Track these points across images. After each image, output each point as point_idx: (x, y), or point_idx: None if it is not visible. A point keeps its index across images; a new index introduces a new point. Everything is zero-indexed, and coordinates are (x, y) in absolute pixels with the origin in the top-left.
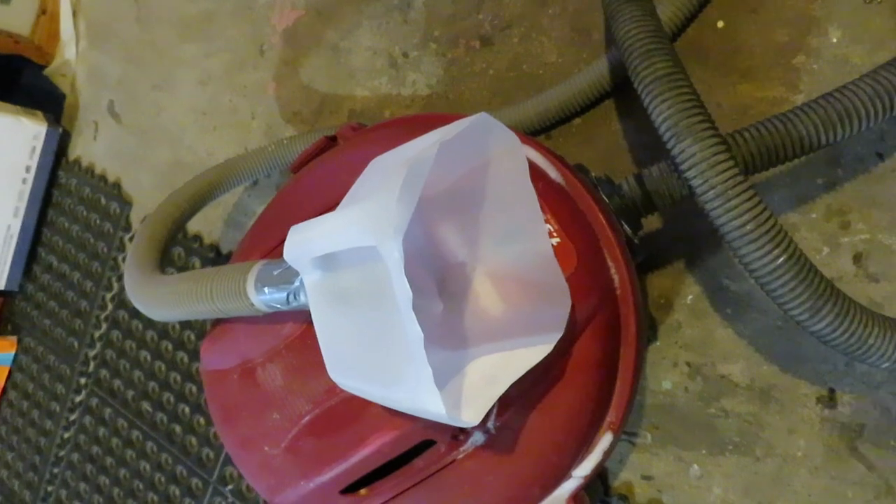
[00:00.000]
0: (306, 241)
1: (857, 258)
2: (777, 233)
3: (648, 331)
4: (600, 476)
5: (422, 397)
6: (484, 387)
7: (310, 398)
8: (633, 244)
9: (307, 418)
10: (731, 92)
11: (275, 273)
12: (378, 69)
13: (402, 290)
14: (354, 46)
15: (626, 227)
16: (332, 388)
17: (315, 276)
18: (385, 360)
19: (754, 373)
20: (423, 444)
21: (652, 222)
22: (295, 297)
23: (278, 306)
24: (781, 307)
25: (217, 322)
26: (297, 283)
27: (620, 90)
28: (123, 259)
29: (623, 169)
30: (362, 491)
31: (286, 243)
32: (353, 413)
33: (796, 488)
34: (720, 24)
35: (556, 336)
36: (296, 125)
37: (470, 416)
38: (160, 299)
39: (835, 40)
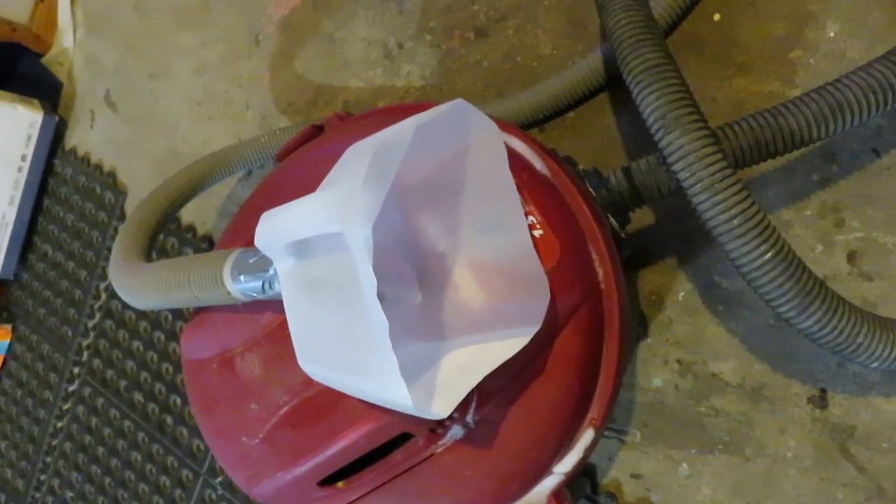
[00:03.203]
0: (276, 228)
1: (852, 256)
2: (764, 228)
3: (639, 327)
4: (588, 474)
5: (389, 388)
6: (458, 378)
7: (288, 388)
8: (620, 238)
9: (285, 409)
10: (726, 86)
11: (250, 261)
12: (373, 60)
13: (367, 278)
14: (349, 37)
15: (612, 220)
16: (310, 378)
17: (287, 264)
18: (354, 350)
19: (745, 371)
20: (401, 437)
21: (644, 218)
22: (270, 286)
23: (254, 295)
24: (769, 304)
25: (198, 311)
26: (271, 272)
27: (615, 84)
28: None
29: (617, 163)
30: (340, 483)
31: (257, 229)
32: (330, 404)
33: (786, 489)
34: (717, 16)
35: (534, 329)
36: (290, 116)
37: (440, 407)
38: (140, 286)
39: (832, 34)
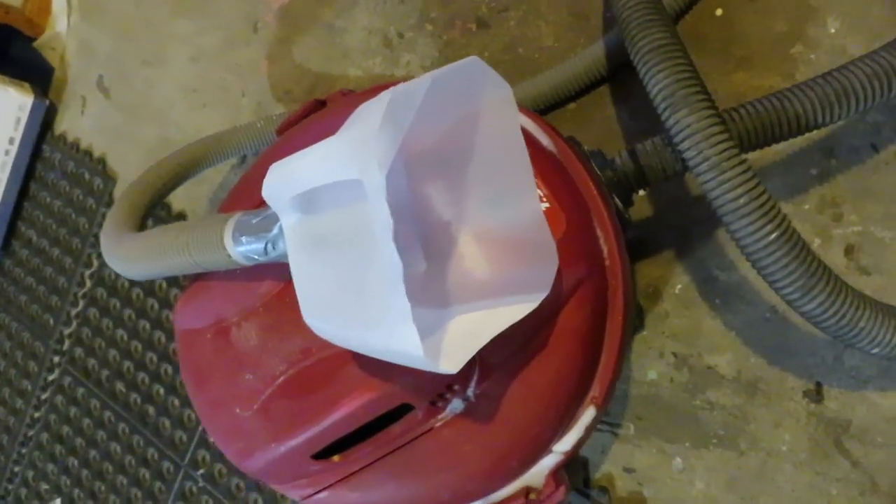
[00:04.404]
0: (286, 177)
1: (849, 250)
2: (770, 208)
3: (636, 319)
4: (583, 465)
5: (398, 335)
6: (465, 340)
7: (285, 358)
8: (624, 219)
9: (281, 379)
10: (727, 80)
11: (253, 222)
12: (373, 49)
13: (383, 219)
14: (350, 26)
15: (617, 200)
16: (309, 348)
17: (293, 219)
18: (363, 301)
19: (741, 365)
20: (399, 410)
21: (642, 210)
22: (273, 247)
23: (256, 257)
24: (773, 285)
25: (193, 280)
26: (275, 231)
27: (616, 76)
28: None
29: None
30: (335, 457)
31: (266, 180)
32: (329, 374)
33: (780, 483)
34: (719, 11)
35: (542, 295)
36: (287, 104)
37: (449, 364)
38: (135, 253)
39: (833, 30)
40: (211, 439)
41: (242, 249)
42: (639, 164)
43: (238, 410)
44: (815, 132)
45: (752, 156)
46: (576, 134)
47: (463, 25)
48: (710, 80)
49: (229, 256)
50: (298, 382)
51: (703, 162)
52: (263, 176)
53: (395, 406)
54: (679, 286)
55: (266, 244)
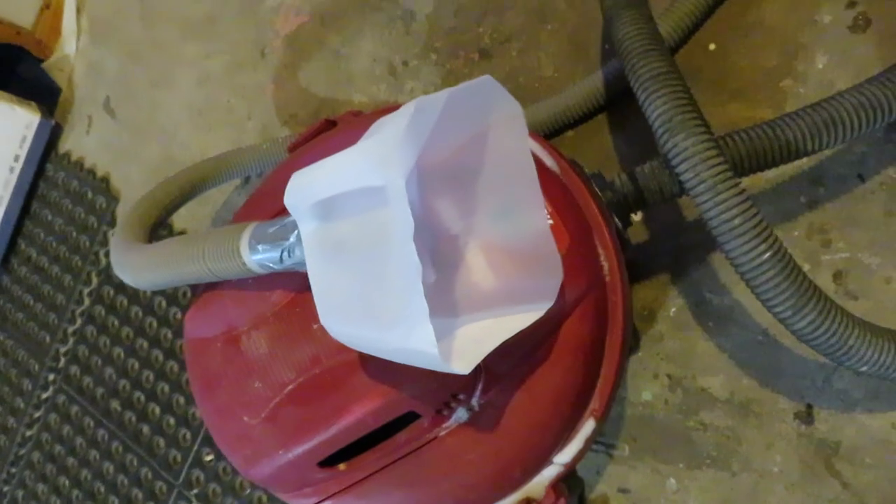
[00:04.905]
0: (309, 184)
1: (838, 276)
2: (763, 229)
3: (631, 341)
4: (579, 484)
5: (416, 336)
6: (474, 345)
7: (294, 366)
8: (624, 238)
9: (290, 387)
10: (720, 111)
11: (269, 231)
12: (377, 76)
13: (405, 221)
14: (355, 53)
15: (616, 220)
16: (318, 356)
17: (312, 226)
18: (380, 302)
19: (734, 386)
20: (405, 418)
21: (638, 235)
22: (289, 254)
23: (271, 265)
24: (765, 304)
25: (204, 290)
26: (292, 240)
27: (613, 105)
28: (106, 254)
29: (612, 177)
30: (341, 465)
31: (287, 187)
32: (337, 381)
33: None
34: (712, 46)
35: (547, 304)
36: (292, 127)
37: (460, 365)
38: (150, 263)
39: (821, 66)
40: (215, 448)
41: (258, 258)
42: (637, 185)
43: (246, 418)
44: (804, 162)
45: (744, 182)
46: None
47: (466, 55)
48: (704, 110)
49: (244, 264)
50: (307, 390)
51: (700, 184)
52: (275, 192)
53: (401, 414)
54: (673, 309)
55: (282, 252)
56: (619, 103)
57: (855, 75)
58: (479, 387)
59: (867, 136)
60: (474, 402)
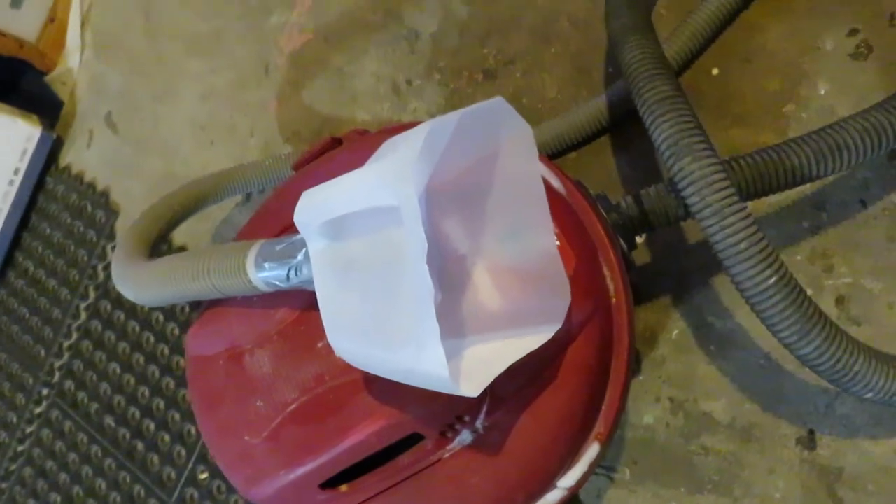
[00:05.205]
0: (320, 203)
1: (840, 301)
2: (769, 254)
3: (633, 363)
4: None
5: (426, 357)
6: (482, 367)
7: (297, 385)
8: (629, 260)
9: (293, 406)
10: (723, 136)
11: (277, 248)
12: (381, 94)
13: (418, 242)
14: (359, 71)
15: (622, 242)
16: (322, 375)
17: (321, 245)
18: (390, 322)
19: (736, 411)
20: (409, 440)
21: (641, 257)
22: (297, 273)
23: (278, 283)
24: (771, 329)
25: (207, 307)
26: (299, 258)
27: (616, 128)
28: (104, 268)
29: (616, 199)
30: (343, 487)
31: (298, 206)
32: (341, 402)
33: None
34: (715, 71)
35: (555, 327)
36: (295, 144)
37: (469, 388)
38: (152, 279)
39: (823, 92)
40: (212, 465)
41: (264, 275)
42: (643, 208)
43: (247, 437)
44: (806, 186)
45: (748, 206)
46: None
47: (470, 76)
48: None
49: (250, 282)
50: (310, 410)
51: (706, 208)
52: (280, 209)
53: (405, 435)
54: (675, 332)
55: (289, 270)
56: (622, 125)
57: (856, 102)
58: (484, 409)
59: (870, 162)
60: (479, 424)
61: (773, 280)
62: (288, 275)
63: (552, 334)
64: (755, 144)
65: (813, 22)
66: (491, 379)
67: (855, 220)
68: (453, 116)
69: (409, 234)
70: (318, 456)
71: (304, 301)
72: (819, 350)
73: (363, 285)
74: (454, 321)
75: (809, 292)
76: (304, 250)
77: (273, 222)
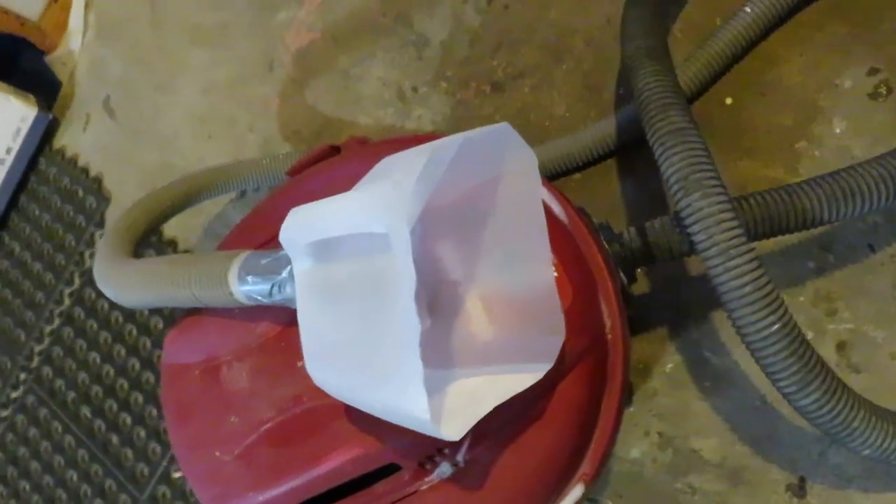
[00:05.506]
0: (307, 223)
1: (841, 346)
2: (774, 299)
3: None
4: None
5: (407, 398)
6: (466, 406)
7: (274, 404)
8: (628, 294)
9: (268, 425)
10: (732, 168)
11: (262, 262)
12: (386, 100)
13: (408, 278)
14: (365, 74)
15: (622, 275)
16: (300, 395)
17: (306, 265)
18: (373, 357)
19: (726, 451)
20: (386, 469)
21: (640, 286)
22: (279, 290)
23: (259, 298)
24: (770, 377)
25: (187, 313)
26: (284, 275)
27: (624, 151)
28: (91, 255)
29: (617, 226)
30: None
31: (284, 223)
32: (317, 425)
33: None
34: (728, 101)
35: (547, 366)
36: (294, 143)
37: (450, 431)
38: (133, 281)
39: (838, 131)
40: (177, 478)
41: (247, 289)
42: (646, 241)
43: (219, 454)
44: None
45: (753, 244)
46: (579, 203)
47: (477, 87)
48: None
49: (231, 294)
50: (285, 431)
51: (713, 247)
52: (270, 217)
53: (382, 465)
54: (670, 365)
55: (273, 286)
56: (630, 149)
57: (872, 143)
58: (466, 443)
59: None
60: (459, 457)
61: (775, 327)
62: (271, 291)
63: (542, 375)
64: (764, 179)
65: (833, 58)
66: (474, 421)
67: (862, 264)
68: (456, 140)
69: (399, 268)
70: (289, 479)
71: (287, 317)
72: (818, 403)
73: (347, 313)
74: (443, 350)
75: (810, 335)
76: (289, 267)
77: (261, 230)
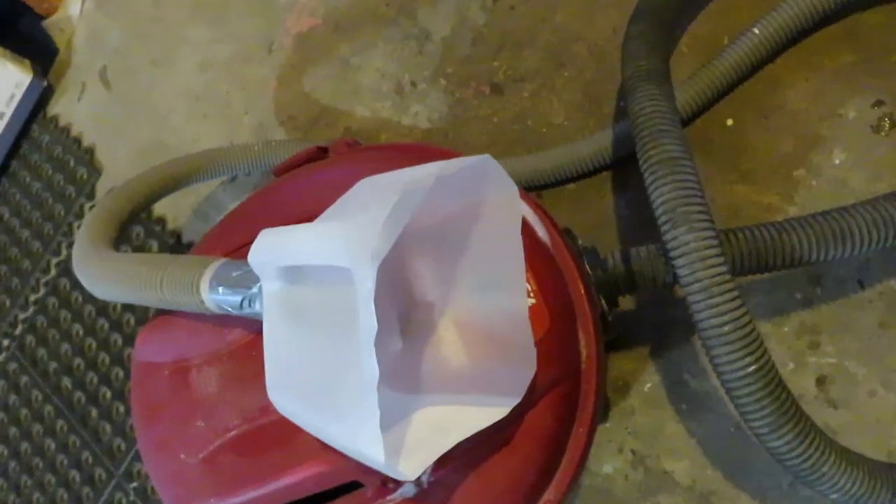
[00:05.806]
0: (276, 247)
1: (821, 381)
2: (753, 340)
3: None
4: None
5: (363, 440)
6: (429, 439)
7: (241, 412)
8: (607, 321)
9: (234, 432)
10: (727, 190)
11: (234, 274)
12: (383, 92)
13: (368, 323)
14: (365, 65)
15: (602, 302)
16: (267, 406)
17: (275, 286)
18: (332, 390)
19: (697, 474)
20: (348, 485)
21: (624, 303)
22: (249, 304)
23: (229, 309)
24: (743, 416)
25: (161, 312)
26: (254, 290)
27: (620, 165)
28: (80, 226)
29: (607, 242)
30: None
31: (254, 245)
32: (283, 437)
33: None
34: (729, 122)
35: (514, 401)
36: (288, 129)
37: (408, 469)
38: (106, 276)
39: (837, 161)
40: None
41: (217, 298)
42: (630, 269)
43: (183, 456)
44: None
45: None
46: (571, 215)
47: (477, 87)
48: (710, 187)
49: (202, 302)
50: (250, 440)
51: (695, 283)
52: (250, 218)
53: (345, 482)
54: (649, 384)
55: (243, 300)
56: (625, 163)
57: (870, 176)
58: (431, 465)
59: None
60: (424, 478)
61: (752, 368)
62: (241, 303)
63: (508, 410)
64: (758, 205)
65: (838, 87)
66: (435, 457)
67: (850, 299)
68: (434, 172)
69: (360, 314)
70: (250, 489)
71: (259, 326)
72: (789, 445)
73: (311, 341)
74: (412, 373)
75: (791, 366)
76: (259, 283)
77: (243, 231)
